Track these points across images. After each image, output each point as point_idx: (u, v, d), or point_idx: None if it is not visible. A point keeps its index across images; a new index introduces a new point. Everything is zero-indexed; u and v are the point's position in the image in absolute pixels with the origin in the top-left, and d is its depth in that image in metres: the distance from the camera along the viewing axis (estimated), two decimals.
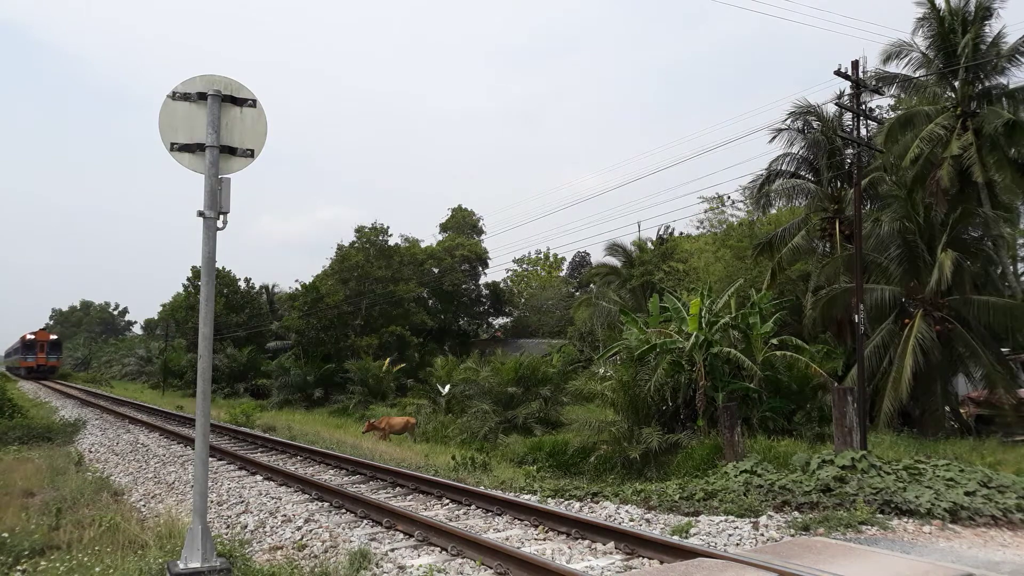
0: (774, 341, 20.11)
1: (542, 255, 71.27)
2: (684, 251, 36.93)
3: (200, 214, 5.70)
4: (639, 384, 18.37)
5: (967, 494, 10.13)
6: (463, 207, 61.84)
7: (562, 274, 70.27)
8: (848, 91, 18.20)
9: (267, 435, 22.12)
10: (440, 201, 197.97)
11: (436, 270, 55.70)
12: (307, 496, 12.34)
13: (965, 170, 22.50)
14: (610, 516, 10.18)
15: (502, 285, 64.67)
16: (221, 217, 5.76)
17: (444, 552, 8.49)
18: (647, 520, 9.94)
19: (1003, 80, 24.06)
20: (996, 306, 20.68)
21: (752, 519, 9.56)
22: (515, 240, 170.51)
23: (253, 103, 5.99)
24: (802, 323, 24.64)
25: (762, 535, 8.86)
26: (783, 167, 28.11)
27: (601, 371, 22.28)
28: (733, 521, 9.48)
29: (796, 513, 10.00)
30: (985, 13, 23.71)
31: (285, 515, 10.61)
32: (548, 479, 14.36)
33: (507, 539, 8.96)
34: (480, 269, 58.20)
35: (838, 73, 17.31)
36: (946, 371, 21.72)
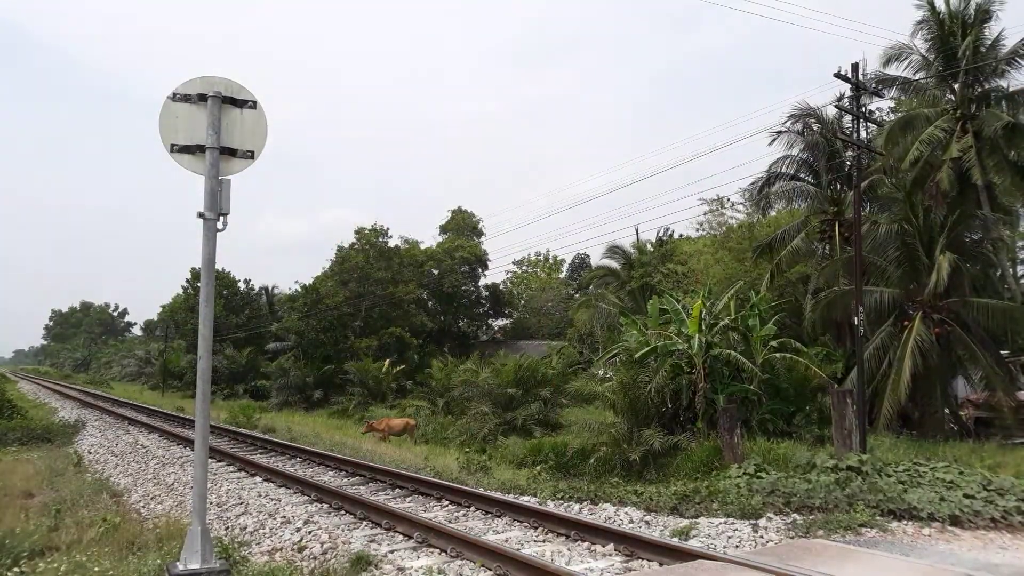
0: (774, 343, 20.10)
1: (542, 257, 71.31)
2: (683, 253, 36.89)
3: (200, 215, 5.69)
4: (639, 386, 18.33)
5: (967, 496, 10.13)
6: (463, 209, 61.84)
7: (562, 276, 70.23)
8: (848, 93, 18.21)
9: (266, 436, 22.11)
10: (440, 202, 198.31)
11: (436, 272, 55.67)
12: (307, 497, 12.34)
13: (964, 173, 22.50)
14: (610, 518, 10.18)
15: (502, 287, 64.64)
16: (221, 218, 5.74)
17: (444, 553, 8.48)
18: (647, 522, 9.93)
19: (1002, 83, 24.08)
20: (995, 308, 20.67)
21: (752, 521, 9.55)
22: (515, 242, 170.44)
23: (253, 104, 5.98)
24: (802, 325, 24.63)
25: (762, 537, 8.86)
26: (783, 169, 28.10)
27: (600, 373, 22.24)
28: (733, 523, 9.48)
29: (796, 515, 9.99)
30: (984, 15, 23.72)
31: (284, 516, 10.60)
32: (548, 481, 14.35)
33: (507, 541, 8.96)
34: (480, 271, 58.16)
35: (838, 75, 17.32)
36: (945, 373, 21.72)
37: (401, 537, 9.40)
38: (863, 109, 18.40)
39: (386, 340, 48.93)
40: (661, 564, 7.72)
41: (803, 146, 27.77)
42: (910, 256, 22.29)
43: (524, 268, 71.77)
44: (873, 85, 23.52)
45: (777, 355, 19.83)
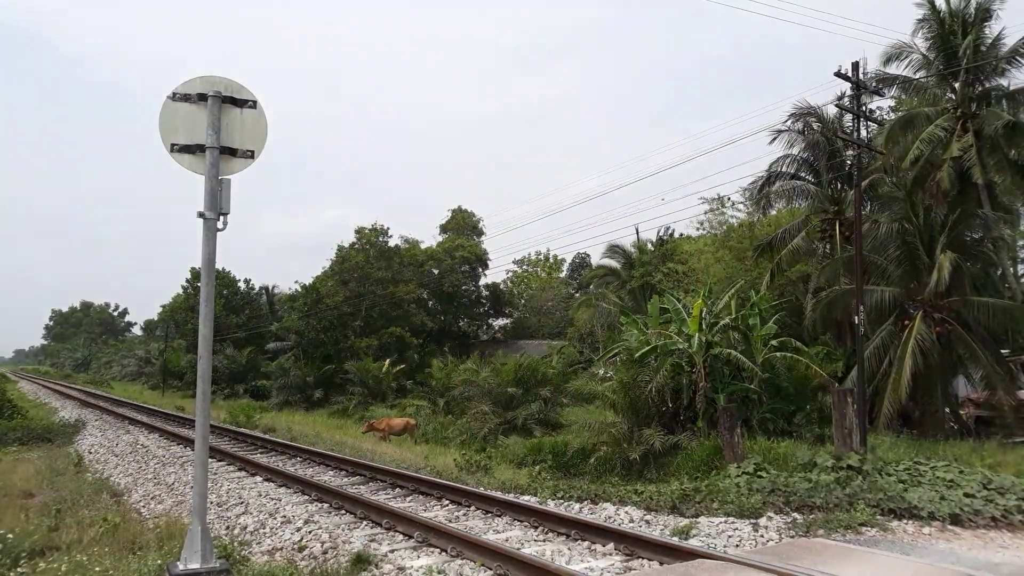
0: (774, 342, 20.10)
1: (542, 256, 71.31)
2: (684, 252, 36.90)
3: (200, 215, 5.69)
4: (639, 385, 18.35)
5: (967, 496, 10.12)
6: (463, 208, 61.87)
7: (562, 275, 70.23)
8: (848, 92, 18.21)
9: (266, 436, 22.12)
10: (440, 202, 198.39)
11: (436, 271, 55.67)
12: (307, 497, 12.34)
13: (965, 171, 22.50)
14: (610, 517, 10.17)
15: (502, 286, 64.64)
16: (221, 218, 5.74)
17: (444, 553, 8.48)
18: (647, 521, 9.93)
19: (1003, 82, 24.09)
20: (996, 307, 20.67)
21: (752, 520, 9.55)
22: (515, 241, 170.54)
23: (253, 104, 5.97)
24: (802, 324, 24.63)
25: (762, 536, 8.85)
26: (783, 168, 28.10)
27: (601, 372, 22.22)
28: (733, 522, 9.47)
29: (796, 514, 9.99)
30: (985, 15, 23.71)
31: (285, 516, 10.60)
32: (548, 480, 14.35)
33: (507, 540, 8.95)
34: (480, 270, 58.16)
35: (838, 74, 17.32)
36: (946, 372, 21.71)
37: (401, 536, 9.40)
38: (863, 108, 18.39)
39: (386, 340, 48.95)
40: (661, 563, 7.71)
41: (804, 145, 27.76)
42: (911, 255, 22.29)
43: (524, 268, 71.79)
44: (873, 84, 23.51)
45: (777, 354, 19.84)
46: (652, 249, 43.29)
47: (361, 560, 7.94)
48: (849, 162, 26.23)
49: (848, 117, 22.73)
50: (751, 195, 30.55)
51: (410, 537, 9.23)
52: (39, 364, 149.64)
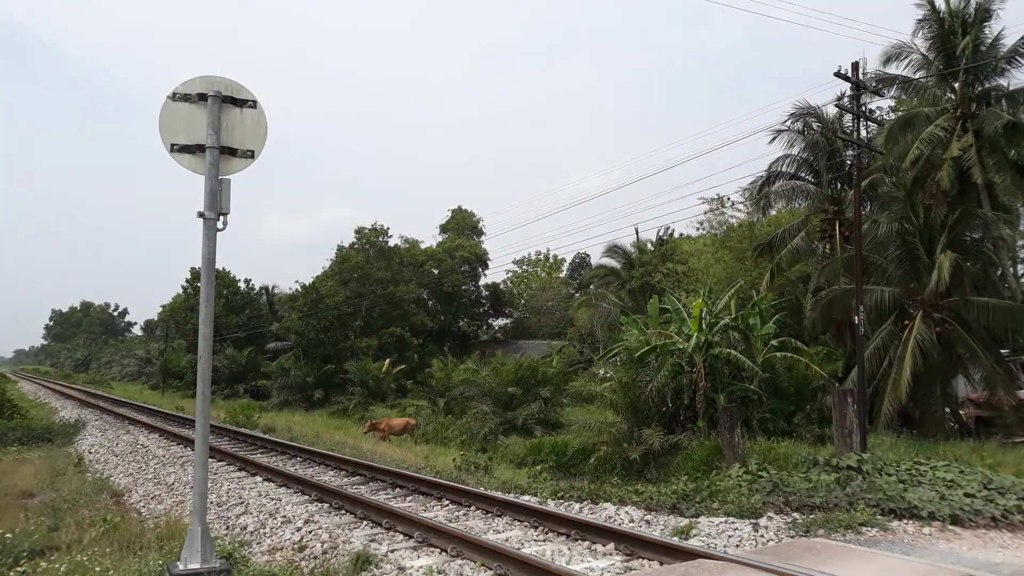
0: (774, 342, 20.10)
1: (542, 256, 71.33)
2: (684, 252, 36.91)
3: (200, 215, 5.69)
4: (639, 385, 18.34)
5: (967, 496, 10.12)
6: (463, 208, 61.91)
7: (562, 275, 70.24)
8: (848, 92, 18.20)
9: (267, 436, 22.12)
10: (440, 202, 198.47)
11: (436, 271, 55.70)
12: (307, 497, 12.33)
13: (965, 171, 22.50)
14: (610, 517, 10.17)
15: (502, 286, 64.65)
16: (221, 218, 5.73)
17: (444, 553, 8.48)
18: (647, 521, 9.93)
19: (1003, 82, 24.08)
20: (996, 307, 20.67)
21: (752, 520, 9.55)
22: (515, 241, 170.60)
23: (253, 104, 5.97)
24: (802, 324, 24.64)
25: (762, 536, 8.85)
26: (783, 168, 28.11)
27: (601, 372, 22.22)
28: (733, 522, 9.47)
29: (796, 514, 9.99)
30: (984, 15, 23.71)
31: (285, 516, 10.59)
32: (548, 480, 14.36)
33: (507, 540, 8.95)
34: (480, 270, 58.21)
35: (838, 75, 17.31)
36: (946, 372, 21.71)
37: (401, 536, 9.40)
38: (863, 108, 18.38)
39: (386, 340, 48.96)
40: (662, 563, 7.71)
41: (803, 145, 27.77)
42: (911, 255, 22.29)
43: (524, 267, 71.81)
44: (873, 84, 23.51)
45: (777, 354, 19.84)
46: (652, 249, 43.32)
47: (361, 560, 7.94)
48: (849, 162, 26.23)
49: (848, 117, 22.71)
50: (751, 195, 30.56)
51: (410, 537, 9.23)
52: (39, 364, 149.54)
